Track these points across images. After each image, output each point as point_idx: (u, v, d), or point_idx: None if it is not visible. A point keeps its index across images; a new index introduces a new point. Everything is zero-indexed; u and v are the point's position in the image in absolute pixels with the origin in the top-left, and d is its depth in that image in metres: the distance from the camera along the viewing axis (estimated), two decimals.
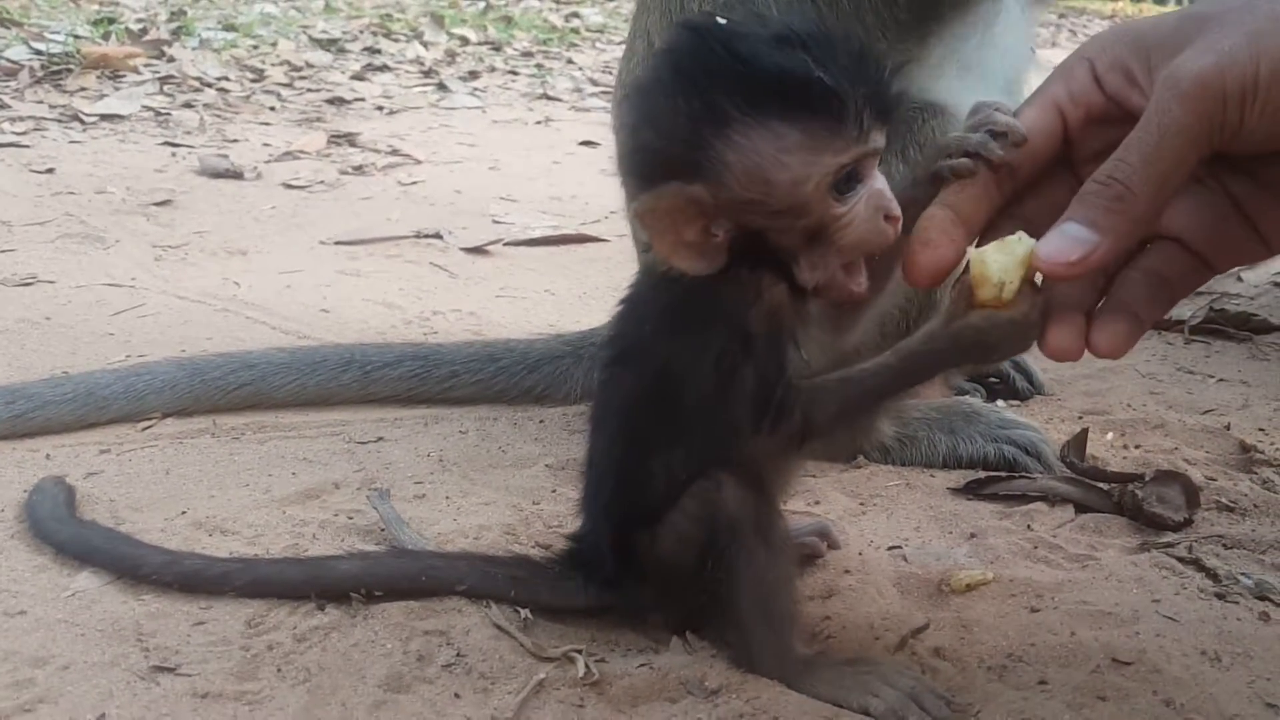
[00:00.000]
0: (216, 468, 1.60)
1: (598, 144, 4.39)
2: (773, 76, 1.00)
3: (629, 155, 1.10)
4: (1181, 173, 0.93)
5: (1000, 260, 0.97)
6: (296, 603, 1.21)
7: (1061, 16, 11.52)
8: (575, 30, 7.99)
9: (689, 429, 1.10)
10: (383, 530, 1.38)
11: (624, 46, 1.86)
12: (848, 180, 1.02)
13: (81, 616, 1.21)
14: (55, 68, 5.00)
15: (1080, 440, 1.56)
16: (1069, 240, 0.94)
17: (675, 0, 1.64)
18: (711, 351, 1.06)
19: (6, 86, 4.72)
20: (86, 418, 1.70)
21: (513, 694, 1.08)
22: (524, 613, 1.21)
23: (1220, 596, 1.25)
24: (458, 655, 1.14)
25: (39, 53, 5.16)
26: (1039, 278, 0.97)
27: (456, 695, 1.08)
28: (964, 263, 1.01)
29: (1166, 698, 1.06)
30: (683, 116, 1.02)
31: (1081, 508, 1.47)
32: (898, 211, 1.03)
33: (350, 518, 1.43)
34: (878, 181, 1.04)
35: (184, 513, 1.44)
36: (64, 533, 1.35)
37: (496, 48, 7.04)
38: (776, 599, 1.12)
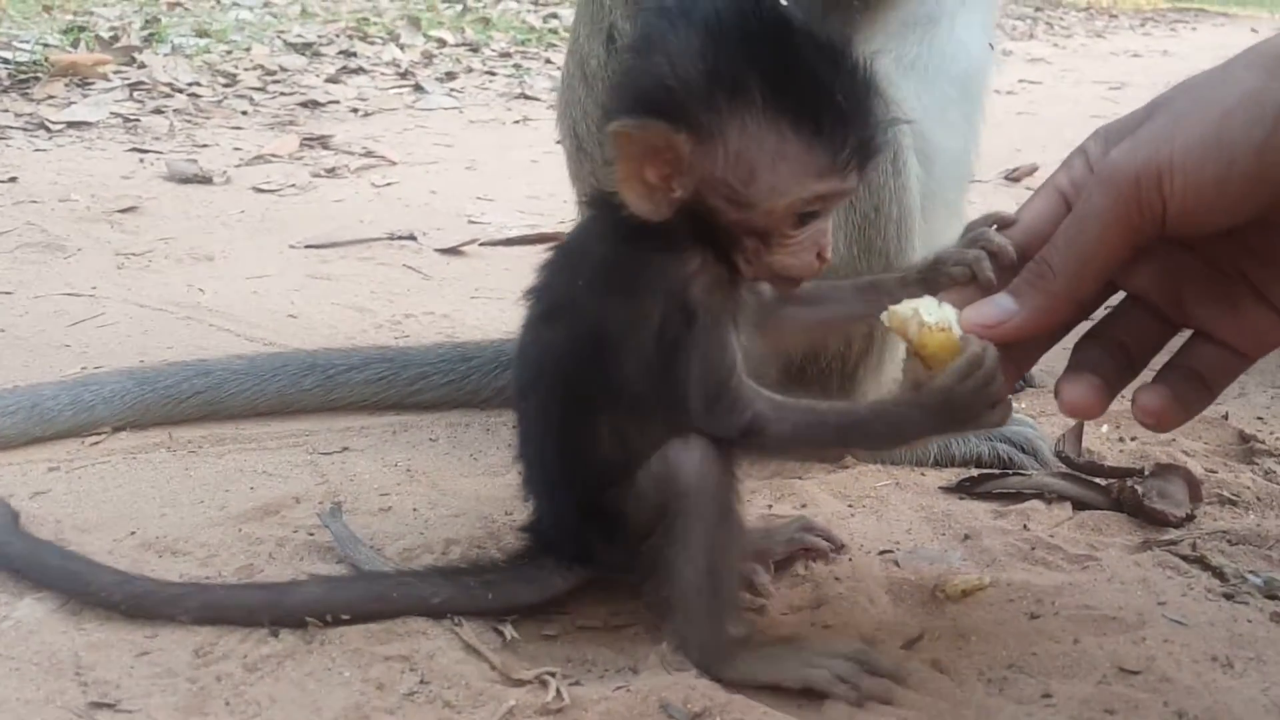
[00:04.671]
0: (170, 484, 1.52)
1: (565, 151, 4.32)
2: (805, 80, 0.99)
3: (632, 73, 1.05)
4: (1103, 255, 0.98)
5: (933, 310, 1.01)
6: (247, 630, 1.14)
7: (1038, 9, 11.51)
8: (554, 31, 7.91)
9: (632, 392, 1.06)
10: None
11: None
12: (812, 211, 1.03)
13: (17, 649, 1.13)
14: (22, 76, 4.90)
15: (1076, 434, 1.49)
16: (992, 307, 1.01)
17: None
18: (652, 320, 1.04)
19: None
20: (31, 432, 1.61)
21: None
22: (509, 631, 1.15)
23: (1229, 597, 1.19)
24: (421, 682, 1.07)
25: (6, 61, 5.07)
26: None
27: None
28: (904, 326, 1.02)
29: (1179, 709, 0.99)
30: (704, 70, 0.99)
31: (1079, 505, 1.41)
32: (829, 254, 1.05)
33: (310, 534, 1.36)
34: (827, 220, 1.05)
35: (133, 533, 1.36)
36: (14, 548, 1.27)
37: (474, 49, 6.96)
38: (720, 578, 1.08)
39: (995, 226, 1.07)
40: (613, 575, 1.18)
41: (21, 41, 5.53)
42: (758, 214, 1.02)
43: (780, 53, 0.99)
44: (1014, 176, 3.78)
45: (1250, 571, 1.23)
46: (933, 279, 1.07)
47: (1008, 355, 1.00)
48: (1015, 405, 1.70)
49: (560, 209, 3.32)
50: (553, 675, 1.07)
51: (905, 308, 1.02)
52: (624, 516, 1.10)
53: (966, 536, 1.35)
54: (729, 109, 0.99)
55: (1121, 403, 1.70)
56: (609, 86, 1.09)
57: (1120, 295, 1.09)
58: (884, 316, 1.03)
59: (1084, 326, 1.10)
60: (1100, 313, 1.11)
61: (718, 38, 0.99)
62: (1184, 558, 1.27)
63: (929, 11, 1.47)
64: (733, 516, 1.08)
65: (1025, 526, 1.36)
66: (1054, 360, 1.16)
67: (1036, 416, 1.66)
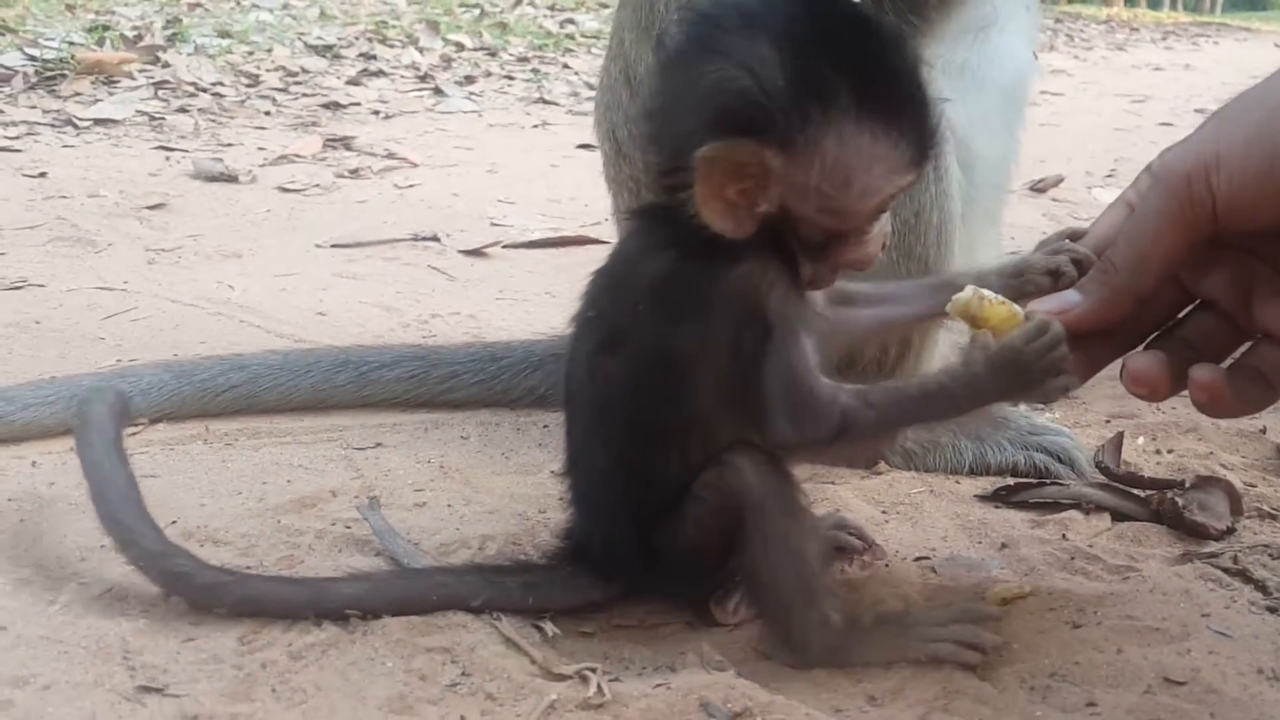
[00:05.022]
0: (208, 475, 1.53)
1: (596, 147, 4.32)
2: (885, 77, 1.00)
3: (712, 92, 1.00)
4: (1161, 250, 1.03)
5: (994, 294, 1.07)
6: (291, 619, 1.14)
7: (1058, 21, 11.53)
8: (571, 36, 7.94)
9: (704, 415, 1.06)
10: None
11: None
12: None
13: (65, 633, 1.13)
14: (49, 74, 4.93)
15: (1116, 444, 1.48)
16: (1057, 299, 1.08)
17: None
18: (725, 335, 1.02)
19: (0, 92, 4.65)
20: (69, 422, 1.60)
21: (522, 716, 1.01)
22: (549, 628, 1.15)
23: (1273, 610, 1.18)
24: (463, 674, 1.07)
25: (33, 59, 5.10)
26: None
27: (462, 718, 1.01)
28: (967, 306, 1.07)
29: None
30: (789, 80, 0.97)
31: (1118, 516, 1.40)
32: (888, 241, 1.09)
33: (348, 527, 1.36)
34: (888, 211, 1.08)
35: (174, 522, 1.36)
36: (94, 455, 1.23)
37: (492, 53, 6.99)
38: (811, 573, 1.08)
39: (1069, 240, 1.12)
40: (653, 596, 1.19)
41: (48, 39, 5.56)
42: (846, 217, 1.03)
43: (859, 52, 0.99)
44: (1040, 187, 3.77)
45: None
46: (1018, 286, 1.10)
47: (1080, 349, 1.04)
48: (1050, 415, 1.71)
49: (581, 213, 3.33)
50: (594, 671, 1.07)
51: (966, 291, 1.06)
52: (674, 551, 1.11)
53: (1004, 545, 1.35)
54: (822, 119, 0.98)
55: (1159, 415, 1.72)
56: (664, 104, 1.06)
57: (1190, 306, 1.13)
58: (948, 307, 1.07)
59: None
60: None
61: (797, 44, 0.97)
62: (1226, 570, 1.26)
63: (983, 18, 1.47)
64: (803, 511, 1.08)
65: (1064, 536, 1.35)
66: None
67: (1073, 427, 1.66)
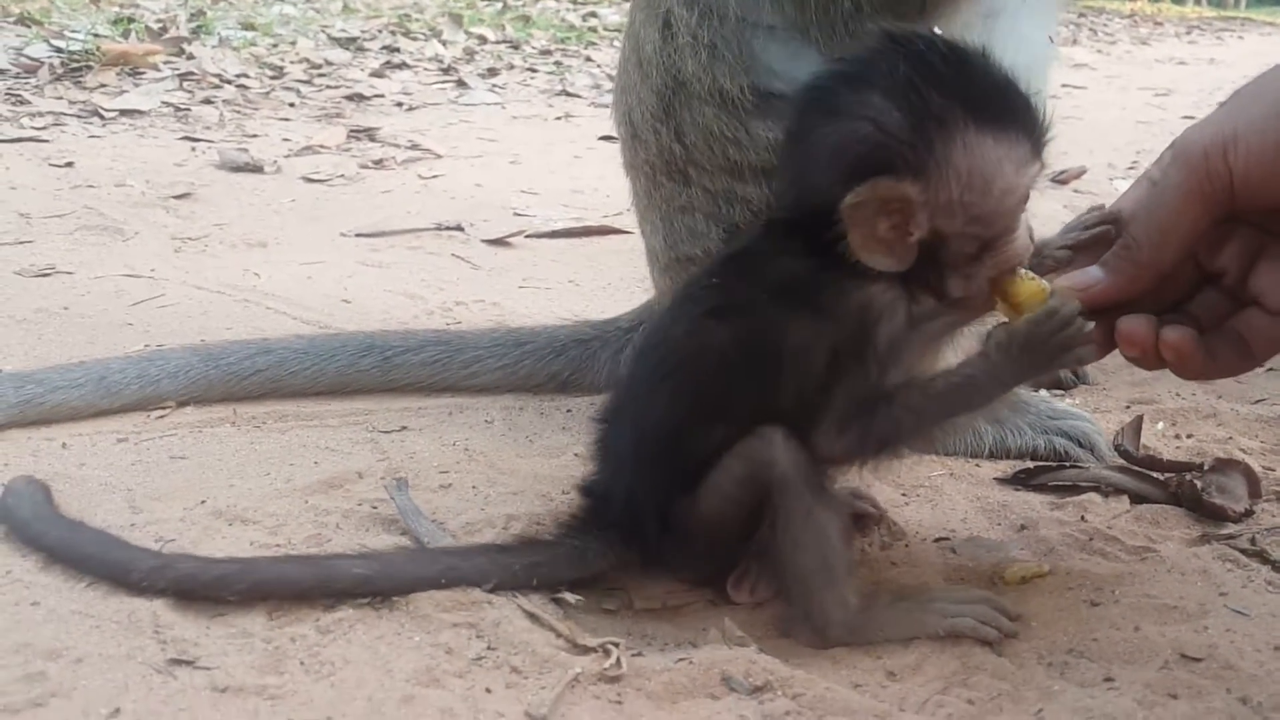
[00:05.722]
0: (236, 456, 1.55)
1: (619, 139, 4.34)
2: (998, 91, 1.07)
3: (839, 146, 1.07)
4: (1182, 225, 1.07)
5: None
6: None
7: (1081, 15, 11.44)
8: (593, 29, 7.95)
9: (775, 408, 1.09)
10: None
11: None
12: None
13: (97, 608, 1.15)
14: (75, 65, 4.98)
15: (1135, 428, 1.49)
16: (1082, 275, 1.12)
17: None
18: (829, 341, 1.08)
19: (26, 83, 4.70)
20: (99, 404, 1.65)
21: (547, 689, 1.03)
22: (570, 597, 1.17)
23: None
24: (488, 648, 1.09)
25: (59, 50, 5.15)
26: None
27: (488, 690, 1.03)
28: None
29: (1242, 695, 1.00)
30: (906, 117, 1.04)
31: (1137, 498, 1.41)
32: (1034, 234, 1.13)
33: (375, 507, 1.38)
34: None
35: (203, 502, 1.39)
36: (52, 535, 1.25)
37: (515, 46, 7.00)
38: (836, 552, 1.11)
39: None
40: (658, 566, 1.21)
41: (73, 31, 5.60)
42: (994, 220, 1.07)
43: (955, 70, 1.05)
44: (1062, 179, 3.76)
45: None
46: (1038, 264, 1.14)
47: (1102, 324, 1.08)
48: (1071, 400, 1.71)
49: (603, 203, 3.35)
50: (616, 645, 1.09)
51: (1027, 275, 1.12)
52: (693, 522, 1.13)
53: (1023, 526, 1.36)
54: (944, 138, 1.04)
55: (1178, 400, 1.73)
56: (797, 171, 1.14)
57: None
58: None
59: None
60: None
61: (901, 83, 1.05)
62: (1243, 551, 1.26)
63: (990, 6, 1.47)
64: (825, 492, 1.12)
65: (1083, 518, 1.36)
66: (1109, 359, 1.18)
67: (1093, 412, 1.66)
